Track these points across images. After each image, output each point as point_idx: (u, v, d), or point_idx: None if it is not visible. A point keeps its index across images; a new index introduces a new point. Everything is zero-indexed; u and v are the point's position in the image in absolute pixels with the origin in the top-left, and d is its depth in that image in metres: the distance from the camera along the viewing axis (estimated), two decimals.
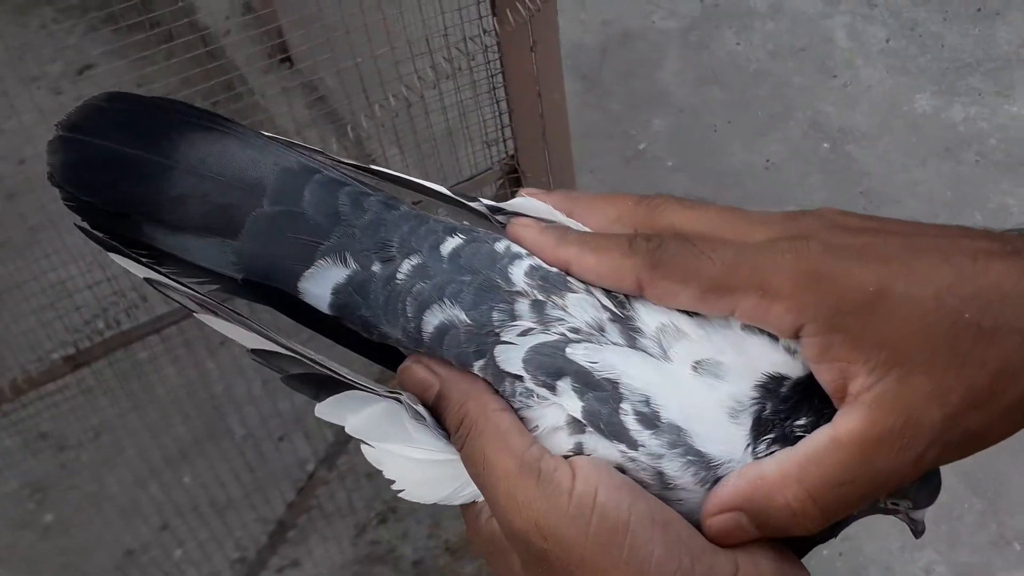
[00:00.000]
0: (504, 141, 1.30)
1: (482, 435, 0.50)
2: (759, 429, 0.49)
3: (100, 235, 0.53)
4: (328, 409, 0.52)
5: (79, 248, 1.24)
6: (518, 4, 1.16)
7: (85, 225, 0.53)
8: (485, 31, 1.18)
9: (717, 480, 0.49)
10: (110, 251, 0.53)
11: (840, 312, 0.46)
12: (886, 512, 0.52)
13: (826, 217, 0.50)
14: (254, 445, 2.14)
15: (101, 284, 1.25)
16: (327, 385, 0.52)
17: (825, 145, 2.34)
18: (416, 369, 0.53)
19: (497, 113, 1.28)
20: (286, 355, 0.52)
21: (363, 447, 0.53)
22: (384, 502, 2.12)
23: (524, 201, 0.55)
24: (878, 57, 2.45)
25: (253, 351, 0.52)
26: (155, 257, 0.54)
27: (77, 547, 2.13)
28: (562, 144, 1.31)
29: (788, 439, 0.48)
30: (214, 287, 0.54)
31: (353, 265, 0.53)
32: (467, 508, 0.54)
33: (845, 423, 0.46)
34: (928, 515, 0.52)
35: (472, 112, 1.27)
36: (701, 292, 0.49)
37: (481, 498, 0.52)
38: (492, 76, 1.25)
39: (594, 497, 0.47)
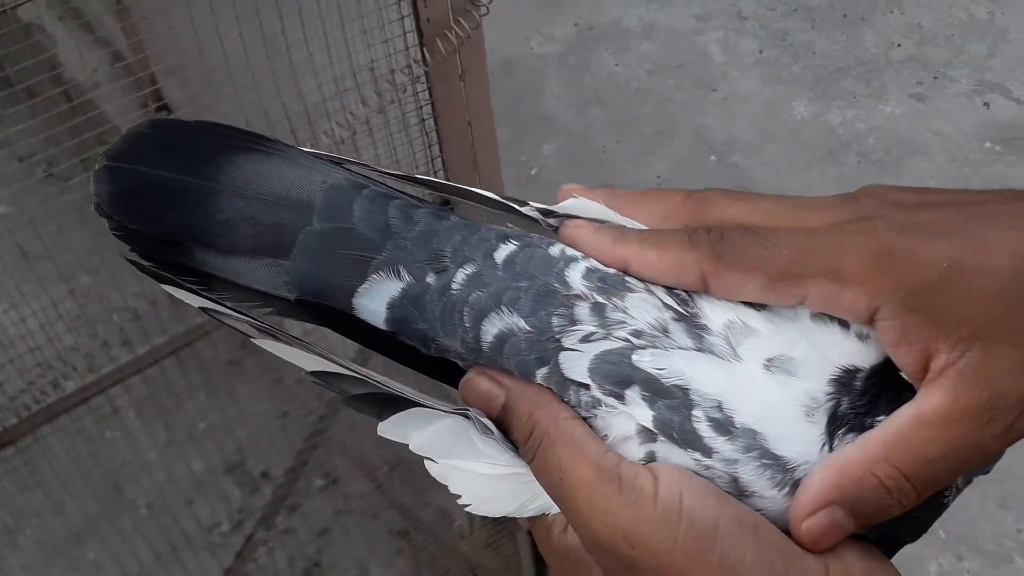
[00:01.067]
0: (435, 173, 1.27)
1: (555, 444, 0.49)
2: (835, 426, 0.48)
3: (151, 266, 0.52)
4: (391, 427, 0.52)
5: None
6: (448, 33, 1.14)
7: (135, 258, 0.52)
8: (415, 61, 1.15)
9: (795, 484, 0.47)
10: (163, 283, 0.52)
11: (916, 291, 0.45)
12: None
13: (880, 195, 0.49)
14: (164, 510, 2.05)
15: (24, 356, 1.17)
16: (390, 404, 0.52)
17: (712, 158, 2.38)
18: (479, 381, 0.52)
19: (427, 145, 1.25)
20: (348, 376, 0.51)
21: (427, 463, 0.52)
22: (307, 557, 2.05)
23: (576, 202, 0.54)
24: (753, 68, 2.51)
25: (313, 373, 0.51)
26: (205, 283, 0.53)
27: None
28: (493, 174, 1.29)
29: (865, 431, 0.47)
30: (267, 310, 0.54)
31: (407, 278, 0.52)
32: (536, 523, 0.53)
33: (929, 400, 0.45)
34: None
35: (402, 145, 1.24)
36: (769, 281, 0.48)
37: (551, 511, 0.51)
38: (420, 107, 1.22)
39: (680, 502, 0.46)
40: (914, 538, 0.50)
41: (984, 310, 0.45)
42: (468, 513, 1.88)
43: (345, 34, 1.14)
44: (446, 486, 0.54)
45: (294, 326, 0.59)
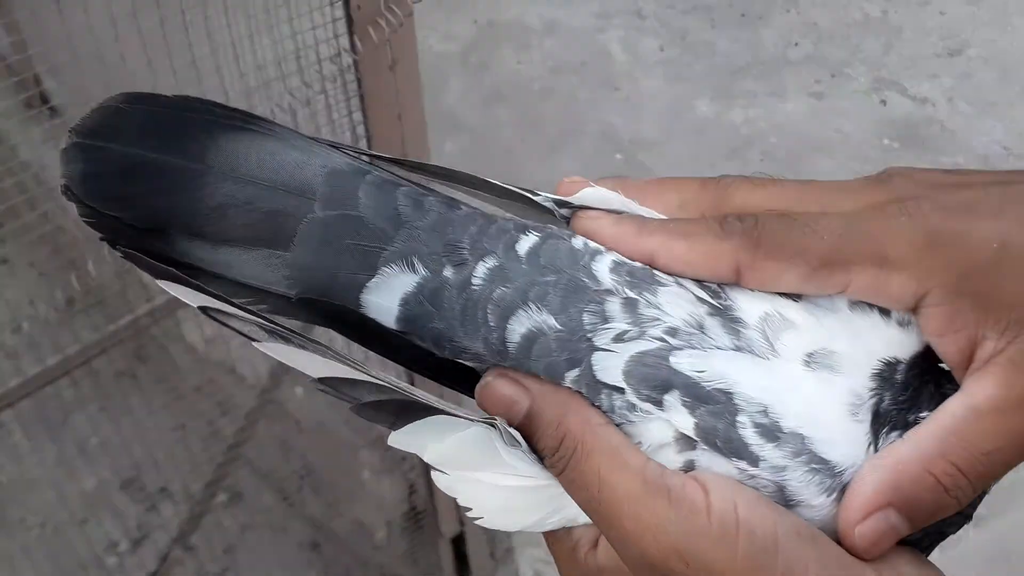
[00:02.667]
0: None
1: (592, 454, 0.45)
2: (878, 424, 0.45)
3: (149, 260, 0.46)
4: (406, 437, 0.47)
5: None
6: (379, 20, 1.08)
7: (130, 251, 0.46)
8: (344, 50, 1.09)
9: (843, 489, 0.44)
10: (161, 278, 0.46)
11: (967, 274, 0.43)
12: None
13: (911, 176, 0.46)
14: (56, 531, 1.94)
15: None
16: (406, 412, 0.47)
17: (618, 156, 2.36)
18: (500, 384, 0.47)
19: (355, 139, 1.19)
20: (362, 382, 0.46)
21: (435, 474, 0.48)
22: (211, 575, 1.96)
23: (592, 192, 0.50)
24: (655, 67, 2.50)
25: (321, 380, 0.46)
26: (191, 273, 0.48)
27: None
28: None
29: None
30: (259, 307, 0.48)
31: (422, 271, 0.47)
32: (557, 541, 0.49)
33: (980, 390, 0.43)
34: None
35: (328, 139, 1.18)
36: (811, 270, 0.45)
37: (574, 523, 0.47)
38: (349, 99, 1.16)
39: (735, 514, 0.43)
40: (956, 529, 0.48)
41: None
42: (387, 523, 1.82)
43: (271, 19, 1.07)
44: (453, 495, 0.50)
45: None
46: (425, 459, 0.48)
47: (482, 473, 0.47)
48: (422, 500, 1.74)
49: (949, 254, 0.43)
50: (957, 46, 2.41)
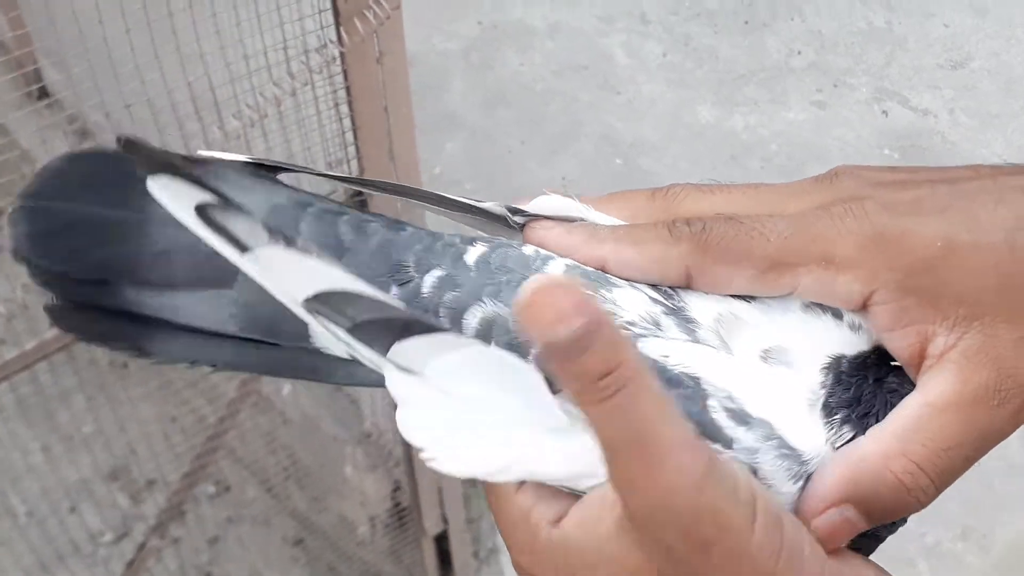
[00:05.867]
0: (348, 161, 1.20)
1: (643, 393, 0.38)
2: (832, 419, 0.45)
3: (96, 331, 0.48)
4: (405, 350, 0.43)
5: None
6: (366, 12, 1.08)
7: (78, 327, 0.49)
8: (331, 41, 1.08)
9: (807, 479, 0.44)
10: (94, 342, 0.49)
11: (912, 272, 0.43)
12: None
13: (857, 175, 0.47)
14: (41, 521, 1.93)
15: None
16: (408, 331, 0.43)
17: (618, 160, 2.36)
18: (564, 281, 0.39)
19: (342, 131, 1.18)
20: (360, 297, 0.43)
21: (399, 416, 0.44)
22: (196, 566, 1.96)
23: (546, 200, 0.50)
24: (657, 72, 2.49)
25: (314, 297, 0.42)
26: (141, 325, 0.49)
27: None
28: (410, 164, 1.23)
29: (864, 425, 0.45)
30: (213, 362, 0.49)
31: None
32: (507, 501, 0.44)
33: (936, 386, 0.43)
34: None
35: (314, 131, 1.17)
36: (759, 273, 0.45)
37: (532, 480, 0.43)
38: (335, 91, 1.15)
39: (750, 486, 0.41)
40: (893, 531, 0.47)
41: (981, 288, 0.43)
42: (370, 520, 1.81)
43: (257, 11, 1.07)
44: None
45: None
46: (426, 374, 0.44)
47: (485, 390, 0.43)
48: (406, 497, 1.74)
49: (894, 253, 0.44)
50: (960, 58, 2.40)
